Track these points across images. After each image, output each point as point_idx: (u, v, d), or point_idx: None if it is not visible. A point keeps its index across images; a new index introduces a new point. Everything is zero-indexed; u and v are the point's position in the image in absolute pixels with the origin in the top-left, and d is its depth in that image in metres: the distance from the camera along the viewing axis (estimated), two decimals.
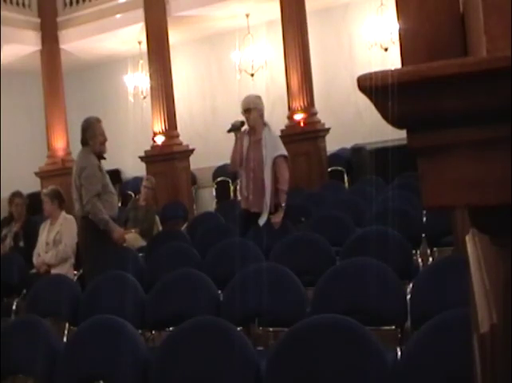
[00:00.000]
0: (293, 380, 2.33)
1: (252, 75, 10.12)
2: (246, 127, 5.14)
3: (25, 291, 4.94)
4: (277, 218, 4.98)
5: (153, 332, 3.67)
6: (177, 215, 8.11)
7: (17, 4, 10.17)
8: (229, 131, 5.11)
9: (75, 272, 5.47)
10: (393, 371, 2.24)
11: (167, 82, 9.29)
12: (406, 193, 5.44)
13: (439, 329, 2.16)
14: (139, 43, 10.31)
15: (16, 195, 6.32)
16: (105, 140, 5.06)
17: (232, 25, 10.19)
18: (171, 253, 4.65)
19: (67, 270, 5.34)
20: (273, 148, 5.05)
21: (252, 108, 5.06)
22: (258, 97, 5.24)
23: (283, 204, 5.02)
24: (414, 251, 4.35)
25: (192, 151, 9.55)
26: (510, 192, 0.68)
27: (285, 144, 8.77)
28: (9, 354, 2.98)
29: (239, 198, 5.30)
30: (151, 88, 9.44)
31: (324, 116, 8.66)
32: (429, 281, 3.02)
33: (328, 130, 8.62)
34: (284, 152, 5.10)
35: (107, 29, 10.16)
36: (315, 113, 8.49)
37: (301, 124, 8.30)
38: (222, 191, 10.52)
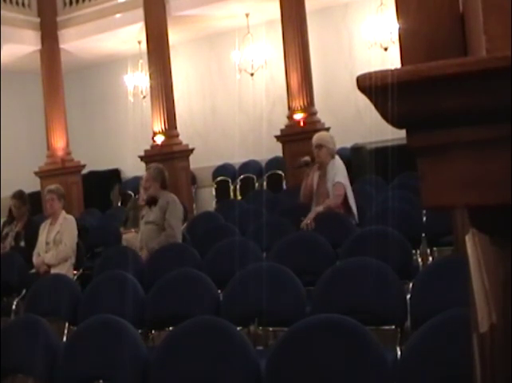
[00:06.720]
0: (293, 380, 2.33)
1: (252, 75, 10.11)
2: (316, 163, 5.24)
3: (25, 291, 4.94)
4: (308, 219, 4.94)
5: (153, 332, 3.67)
6: None
7: (17, 4, 10.15)
8: (296, 167, 5.23)
9: (75, 272, 5.47)
10: (393, 371, 2.24)
11: (167, 82, 9.29)
12: (406, 193, 5.45)
13: (439, 329, 2.16)
14: (139, 43, 10.31)
15: (15, 195, 6.16)
16: None
17: (232, 24, 10.18)
18: (171, 253, 4.65)
19: (67, 270, 5.33)
20: (333, 178, 5.10)
21: (323, 145, 5.18)
22: (331, 137, 5.42)
23: (321, 208, 4.99)
24: (414, 251, 4.35)
25: (192, 150, 9.55)
26: (509, 192, 0.67)
27: (285, 143, 8.76)
28: (9, 354, 2.98)
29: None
30: (151, 87, 9.44)
31: (323, 115, 8.66)
32: (429, 281, 3.02)
33: (328, 130, 8.61)
34: (340, 179, 5.10)
35: (107, 28, 10.15)
36: (315, 113, 8.49)
37: (301, 124, 8.31)
38: (222, 190, 10.52)
